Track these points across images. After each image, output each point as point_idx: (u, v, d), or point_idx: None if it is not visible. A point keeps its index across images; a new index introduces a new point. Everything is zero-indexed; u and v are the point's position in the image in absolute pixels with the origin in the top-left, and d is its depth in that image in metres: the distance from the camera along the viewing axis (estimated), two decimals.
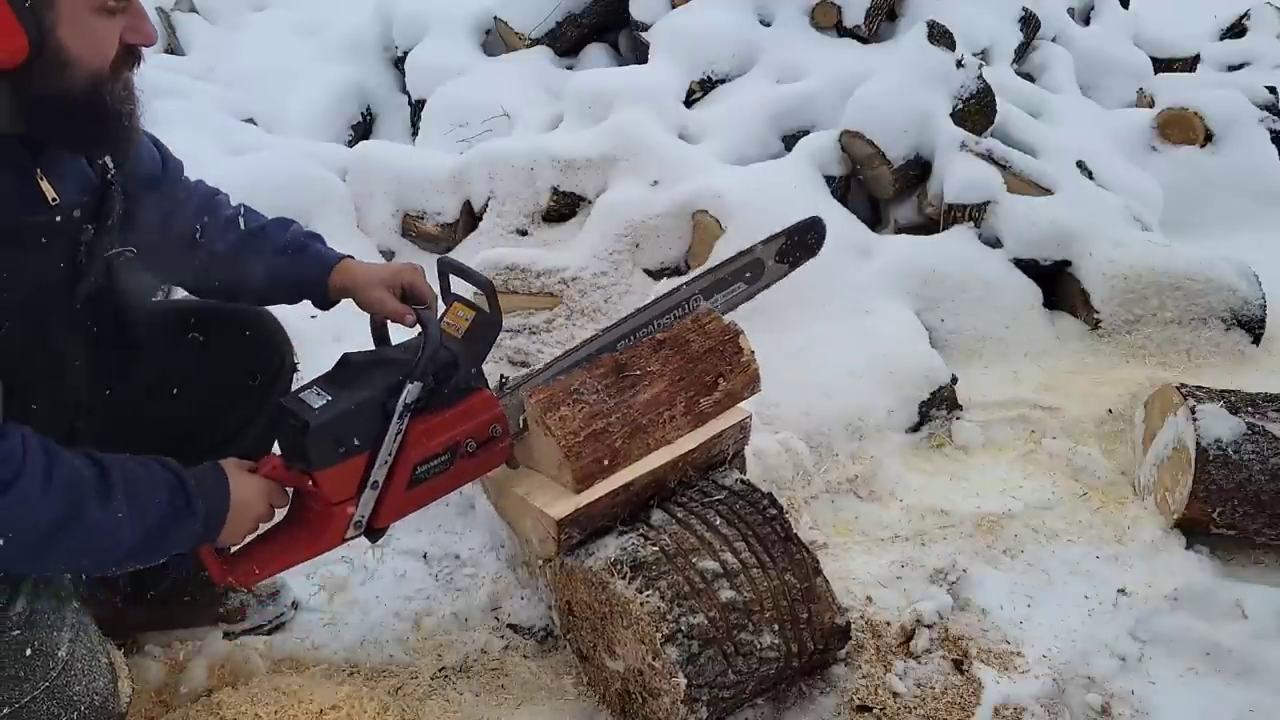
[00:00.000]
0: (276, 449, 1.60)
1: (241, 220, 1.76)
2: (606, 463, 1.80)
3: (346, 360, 1.62)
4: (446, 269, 1.77)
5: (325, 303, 1.79)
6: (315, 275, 1.77)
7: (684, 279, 2.24)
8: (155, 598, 1.91)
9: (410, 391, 1.57)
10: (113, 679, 1.43)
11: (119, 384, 1.62)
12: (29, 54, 1.22)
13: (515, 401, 1.85)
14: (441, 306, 1.75)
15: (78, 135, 1.36)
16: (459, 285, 1.77)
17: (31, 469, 1.23)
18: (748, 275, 2.29)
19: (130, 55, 1.35)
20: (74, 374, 1.50)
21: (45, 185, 1.36)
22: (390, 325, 1.75)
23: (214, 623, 1.96)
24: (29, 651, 1.32)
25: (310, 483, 1.55)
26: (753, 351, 2.01)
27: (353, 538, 1.63)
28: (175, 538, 1.40)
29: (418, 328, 1.64)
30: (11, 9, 1.19)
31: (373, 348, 1.72)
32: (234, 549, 1.58)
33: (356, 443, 1.55)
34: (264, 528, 1.58)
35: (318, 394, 1.55)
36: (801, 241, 2.39)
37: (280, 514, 1.59)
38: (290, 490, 1.59)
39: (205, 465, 1.47)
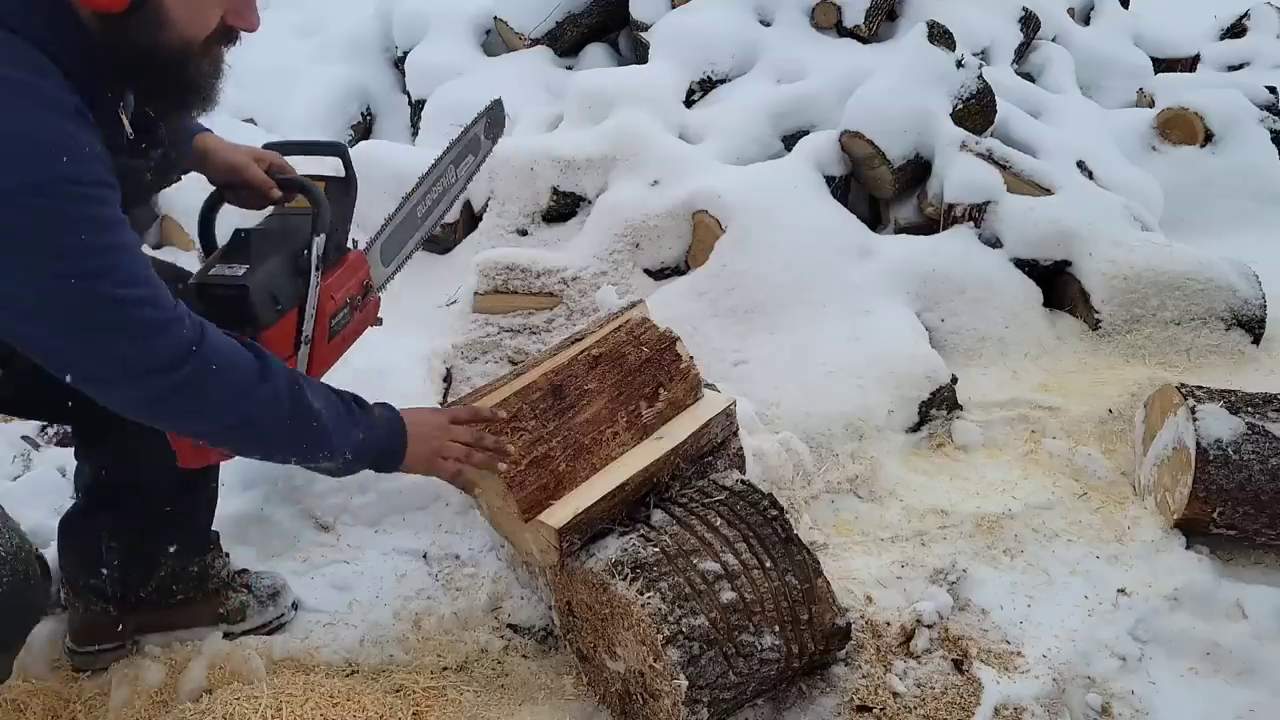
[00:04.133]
0: None
1: None
2: (552, 487, 1.78)
3: (241, 234, 1.64)
4: (286, 150, 1.80)
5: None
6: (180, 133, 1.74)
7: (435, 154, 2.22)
8: (147, 599, 1.90)
9: (319, 245, 1.64)
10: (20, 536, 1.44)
11: None
12: (131, 3, 1.25)
13: (372, 260, 1.91)
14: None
15: (154, 92, 1.41)
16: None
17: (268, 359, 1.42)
18: (471, 155, 2.30)
19: (229, 35, 1.39)
20: None
21: (124, 120, 1.41)
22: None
23: (213, 623, 1.95)
24: None
25: None
26: (691, 357, 2.01)
27: None
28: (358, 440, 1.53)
29: (267, 212, 1.73)
30: None
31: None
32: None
33: (286, 300, 1.62)
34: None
35: (230, 266, 1.59)
36: (496, 119, 2.41)
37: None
38: None
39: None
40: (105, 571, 1.84)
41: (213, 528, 1.97)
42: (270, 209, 1.78)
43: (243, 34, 1.40)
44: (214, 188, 1.77)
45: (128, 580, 1.86)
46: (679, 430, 1.94)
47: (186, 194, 2.59)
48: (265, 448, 1.51)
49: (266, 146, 1.81)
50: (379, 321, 1.93)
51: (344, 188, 1.78)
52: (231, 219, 1.74)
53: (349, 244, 1.82)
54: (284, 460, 1.55)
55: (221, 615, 1.96)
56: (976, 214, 3.13)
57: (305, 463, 1.53)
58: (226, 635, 1.94)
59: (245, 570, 2.05)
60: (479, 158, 2.30)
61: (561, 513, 1.75)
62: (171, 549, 1.87)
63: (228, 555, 2.03)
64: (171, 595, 1.92)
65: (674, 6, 4.18)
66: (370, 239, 1.95)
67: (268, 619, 1.99)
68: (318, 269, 1.64)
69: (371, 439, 1.57)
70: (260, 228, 1.70)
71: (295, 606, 2.04)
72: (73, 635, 1.88)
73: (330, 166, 1.85)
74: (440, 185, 2.16)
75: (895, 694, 1.81)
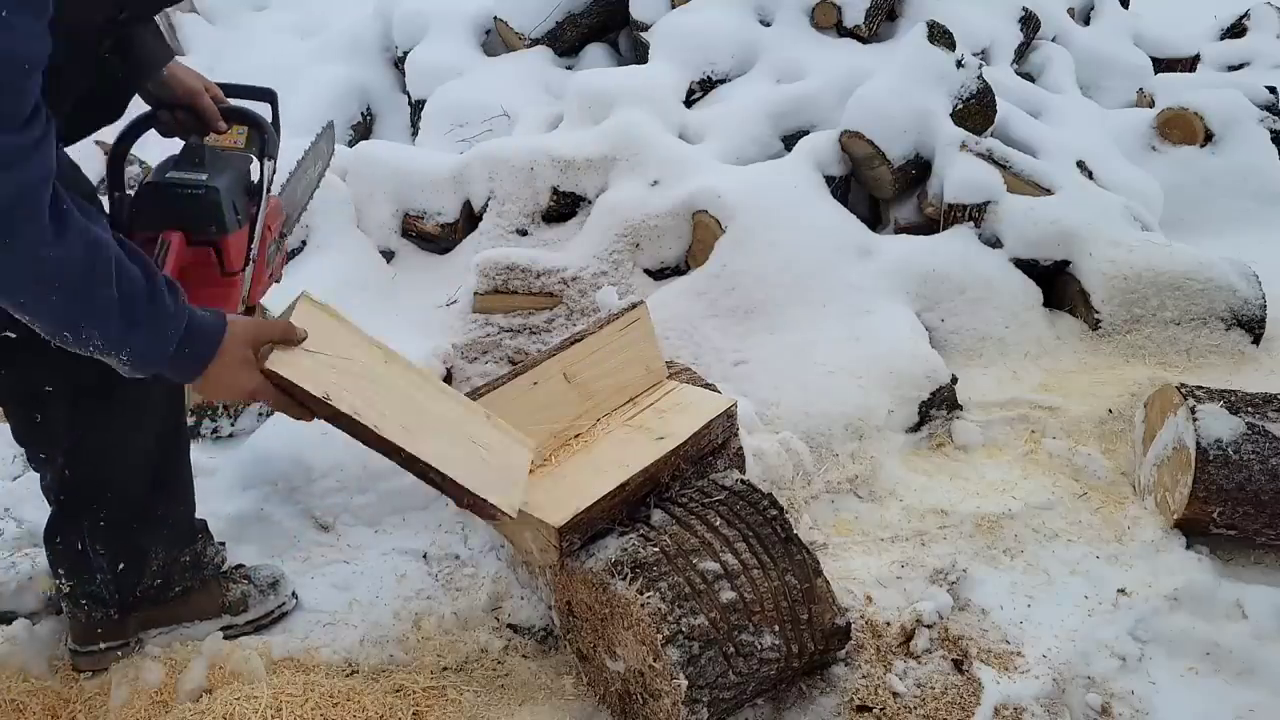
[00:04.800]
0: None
1: None
2: None
3: (195, 148, 1.64)
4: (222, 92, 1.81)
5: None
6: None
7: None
8: (145, 595, 1.90)
9: (269, 169, 1.69)
10: None
11: None
12: None
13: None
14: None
15: None
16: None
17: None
18: (321, 161, 2.35)
19: None
20: None
21: None
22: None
23: (217, 614, 1.96)
24: None
25: (214, 254, 1.60)
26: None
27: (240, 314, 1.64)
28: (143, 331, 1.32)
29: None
30: None
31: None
32: None
33: (243, 213, 1.65)
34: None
35: (190, 171, 1.60)
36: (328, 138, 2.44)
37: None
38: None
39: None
40: (99, 576, 1.84)
41: (199, 518, 1.97)
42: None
43: None
44: (137, 116, 1.74)
45: (122, 581, 1.85)
46: (680, 430, 1.94)
47: None
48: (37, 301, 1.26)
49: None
50: (279, 278, 1.96)
51: (267, 131, 1.79)
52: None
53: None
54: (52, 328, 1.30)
55: (224, 606, 1.97)
56: (976, 214, 3.13)
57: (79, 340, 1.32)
58: (229, 627, 1.95)
59: (242, 565, 2.06)
60: (324, 166, 2.37)
61: (562, 512, 1.75)
62: (158, 542, 1.88)
63: (222, 544, 2.04)
64: (170, 588, 1.92)
65: (674, 6, 4.18)
66: (280, 188, 2.00)
67: (269, 608, 2.00)
68: (269, 191, 1.69)
69: (160, 341, 1.35)
70: (207, 148, 1.67)
71: (295, 595, 2.05)
72: (75, 637, 1.88)
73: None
74: (308, 177, 2.23)
75: (895, 694, 1.81)
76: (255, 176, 1.73)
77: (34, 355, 1.58)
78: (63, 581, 1.86)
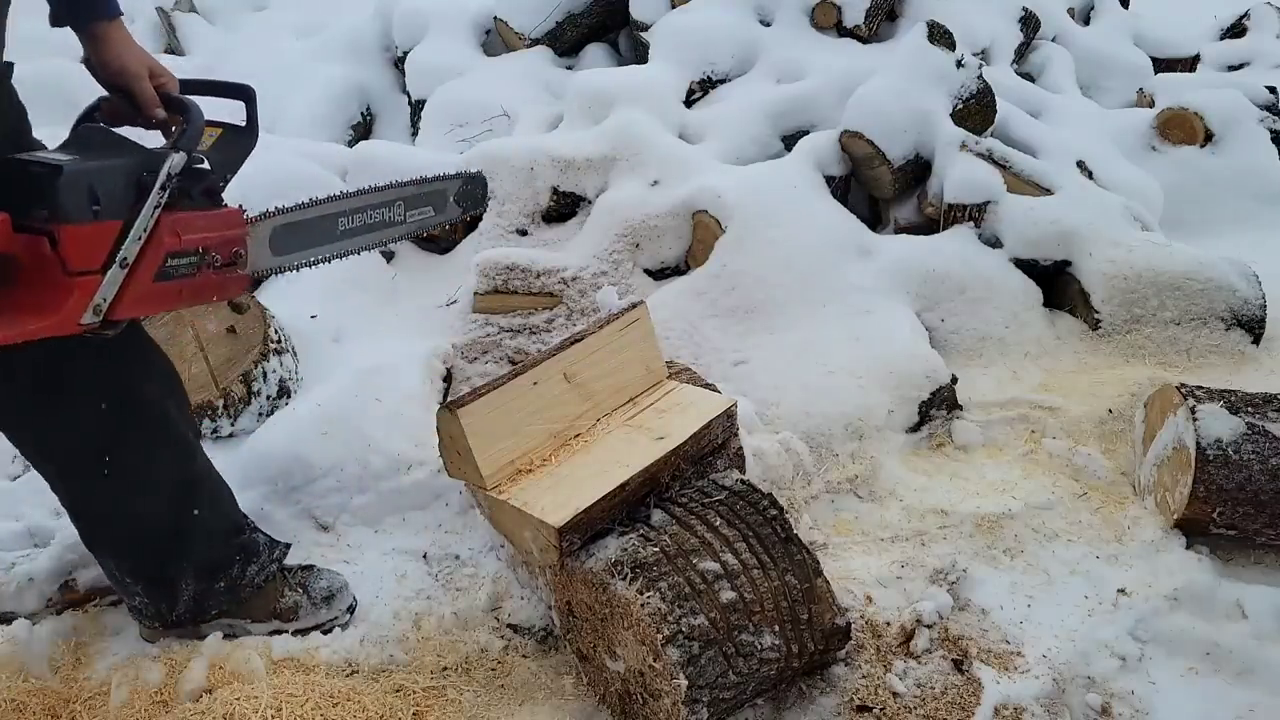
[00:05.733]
0: None
1: None
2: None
3: (88, 130, 1.50)
4: (191, 88, 1.63)
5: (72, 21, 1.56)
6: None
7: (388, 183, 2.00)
8: (184, 617, 1.90)
9: (174, 162, 1.46)
10: None
11: None
12: None
13: (258, 236, 1.70)
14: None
15: None
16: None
17: None
18: (431, 209, 2.06)
19: None
20: None
21: None
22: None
23: (268, 619, 1.96)
24: None
25: (49, 244, 1.37)
26: None
27: (88, 327, 1.45)
28: None
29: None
30: None
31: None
32: None
33: (111, 207, 1.42)
34: None
35: (61, 154, 1.41)
36: (472, 192, 2.18)
37: None
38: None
39: None
40: (136, 599, 1.87)
41: (250, 533, 1.94)
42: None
43: None
44: (90, 103, 1.61)
45: (159, 607, 1.87)
46: (680, 430, 1.94)
47: None
48: None
49: (183, 81, 1.65)
50: (238, 308, 1.74)
51: (242, 136, 1.64)
52: None
53: (237, 204, 1.66)
54: None
55: (274, 612, 1.96)
56: (976, 214, 3.13)
57: None
58: (278, 632, 1.95)
59: (310, 567, 2.04)
60: (438, 216, 2.10)
61: (562, 512, 1.75)
62: (186, 576, 1.86)
63: (285, 546, 2.00)
64: (205, 613, 1.91)
65: (674, 6, 4.19)
66: (263, 213, 1.74)
67: (320, 620, 1.98)
68: (161, 189, 1.45)
69: None
70: (110, 134, 1.52)
71: (352, 609, 2.02)
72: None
73: (231, 113, 1.68)
74: (379, 215, 1.94)
75: (895, 694, 1.81)
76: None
77: (45, 419, 1.61)
78: (114, 587, 1.92)
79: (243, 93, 1.65)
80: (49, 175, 1.35)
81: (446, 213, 2.12)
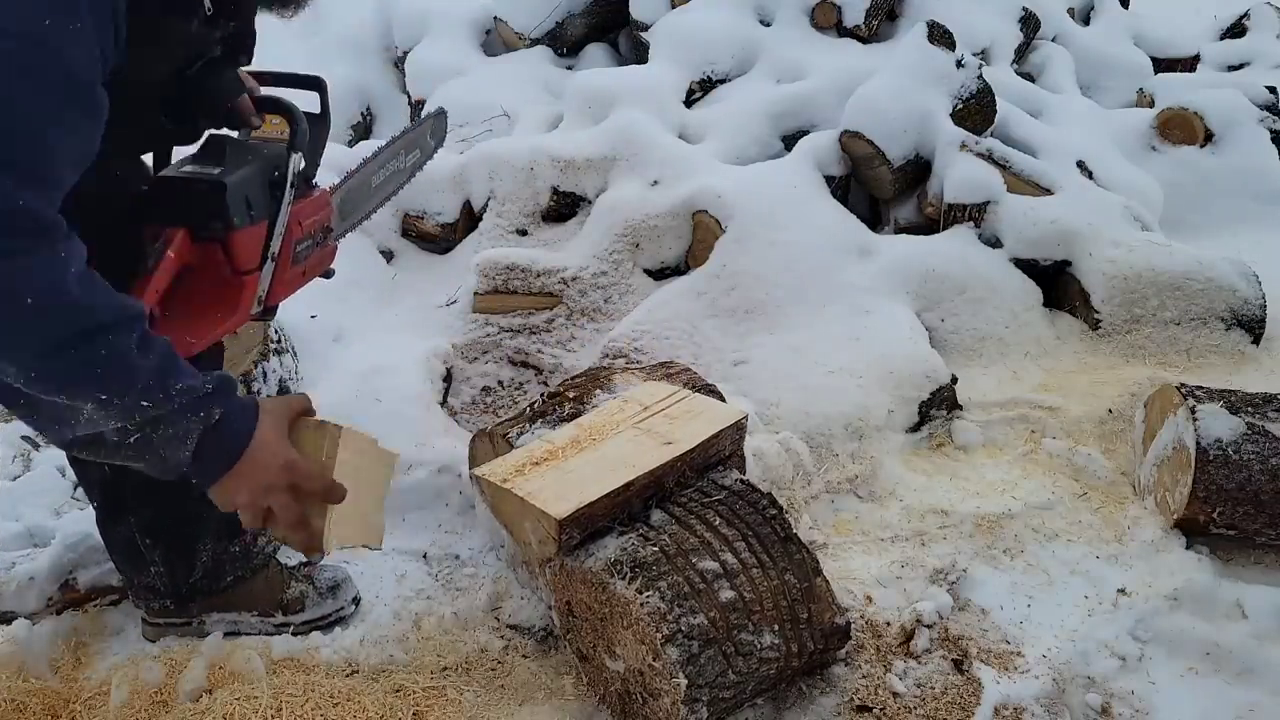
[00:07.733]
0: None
1: None
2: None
3: (217, 140, 1.61)
4: (264, 80, 1.78)
5: None
6: None
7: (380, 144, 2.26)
8: (198, 585, 1.90)
9: (296, 162, 1.62)
10: None
11: None
12: None
13: (334, 208, 1.89)
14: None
15: None
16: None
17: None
18: (418, 151, 2.33)
19: None
20: None
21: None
22: None
23: (273, 609, 1.96)
24: None
25: (222, 252, 1.55)
26: None
27: (255, 316, 1.65)
28: (163, 436, 1.29)
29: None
30: None
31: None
32: None
33: (259, 208, 1.59)
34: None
35: (205, 166, 1.55)
36: (440, 126, 2.44)
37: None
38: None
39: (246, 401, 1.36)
40: (153, 569, 1.87)
41: None
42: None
43: None
44: None
45: (174, 574, 1.88)
46: (690, 437, 1.93)
47: None
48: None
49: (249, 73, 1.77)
50: (330, 273, 1.90)
51: (318, 123, 1.75)
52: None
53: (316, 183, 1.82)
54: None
55: (280, 603, 1.97)
56: (976, 214, 3.13)
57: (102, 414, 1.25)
58: (284, 625, 1.96)
59: (311, 563, 2.05)
60: (423, 157, 2.35)
61: (564, 505, 1.75)
62: (206, 535, 1.88)
63: None
64: (220, 578, 1.92)
65: (674, 6, 4.18)
66: (333, 186, 1.94)
67: (326, 611, 1.99)
68: (293, 186, 1.63)
69: (194, 418, 1.29)
70: (234, 139, 1.66)
71: (356, 601, 2.03)
72: (144, 612, 1.95)
73: (307, 102, 1.81)
74: (393, 165, 2.20)
75: (895, 694, 1.81)
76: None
77: None
78: (121, 572, 1.91)
79: (315, 83, 1.79)
80: (216, 189, 1.51)
81: (428, 152, 2.39)
